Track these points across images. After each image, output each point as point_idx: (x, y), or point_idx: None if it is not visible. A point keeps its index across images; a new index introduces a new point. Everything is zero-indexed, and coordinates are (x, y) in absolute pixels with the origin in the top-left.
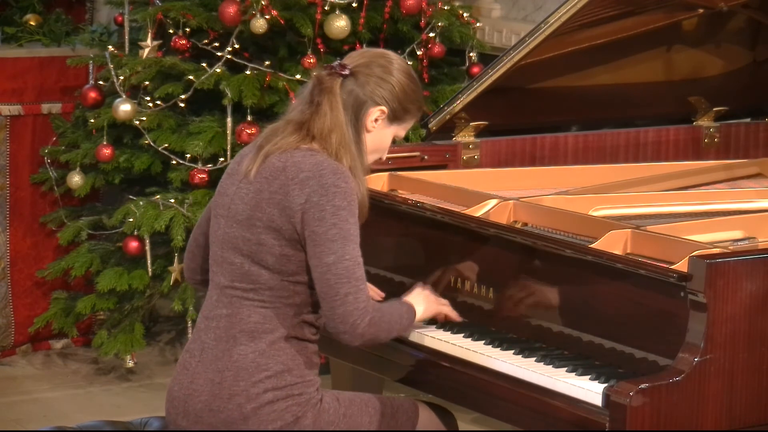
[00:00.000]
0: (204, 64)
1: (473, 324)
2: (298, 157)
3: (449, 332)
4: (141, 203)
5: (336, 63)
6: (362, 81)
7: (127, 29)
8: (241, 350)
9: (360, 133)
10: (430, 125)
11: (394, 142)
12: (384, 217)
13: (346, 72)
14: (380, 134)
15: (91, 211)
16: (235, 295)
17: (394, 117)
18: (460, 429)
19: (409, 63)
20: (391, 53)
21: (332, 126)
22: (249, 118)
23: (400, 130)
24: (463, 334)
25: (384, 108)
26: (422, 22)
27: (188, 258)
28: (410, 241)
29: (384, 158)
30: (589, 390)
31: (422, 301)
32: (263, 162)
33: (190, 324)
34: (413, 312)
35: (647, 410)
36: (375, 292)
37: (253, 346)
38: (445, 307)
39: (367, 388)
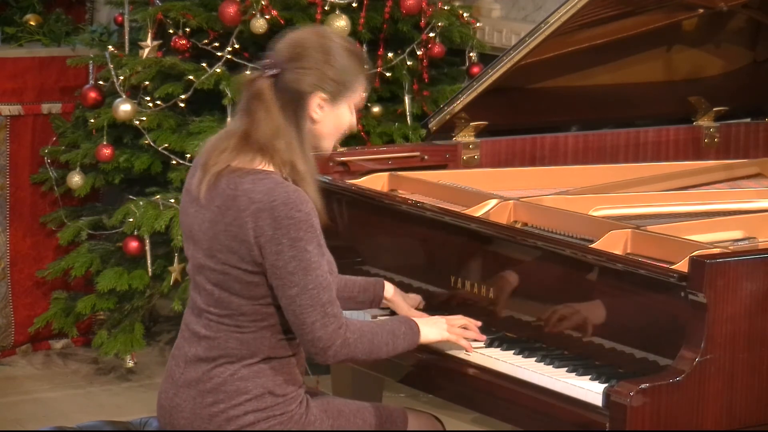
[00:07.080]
0: (204, 64)
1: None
2: (248, 184)
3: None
4: (141, 203)
5: (261, 63)
6: (291, 76)
7: (127, 29)
8: (220, 373)
9: (303, 129)
10: (430, 125)
11: (355, 110)
12: (384, 217)
13: (273, 71)
14: (331, 116)
15: (91, 211)
16: (212, 320)
17: (337, 95)
18: (460, 429)
19: (332, 36)
20: (311, 33)
21: (274, 132)
22: None
23: (352, 101)
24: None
25: (321, 93)
26: (422, 22)
27: None
28: (410, 241)
29: (355, 128)
30: (589, 390)
31: (433, 323)
32: (214, 183)
33: None
34: (415, 332)
35: (647, 410)
36: (414, 301)
37: (232, 369)
38: (454, 336)
39: (367, 389)
